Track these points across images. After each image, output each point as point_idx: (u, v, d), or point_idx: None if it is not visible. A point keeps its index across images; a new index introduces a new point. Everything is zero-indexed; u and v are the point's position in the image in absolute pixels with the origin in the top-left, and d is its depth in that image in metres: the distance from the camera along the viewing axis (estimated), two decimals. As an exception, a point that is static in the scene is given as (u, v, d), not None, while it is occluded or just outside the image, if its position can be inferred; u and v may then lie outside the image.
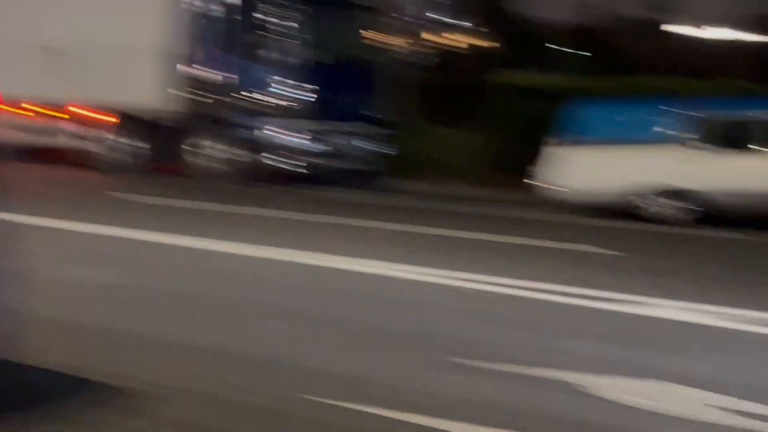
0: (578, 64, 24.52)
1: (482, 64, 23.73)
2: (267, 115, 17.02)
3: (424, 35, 23.69)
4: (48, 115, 18.51)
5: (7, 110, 18.53)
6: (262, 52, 17.08)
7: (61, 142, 18.55)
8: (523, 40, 26.34)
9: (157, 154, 17.62)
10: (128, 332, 6.28)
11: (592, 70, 22.38)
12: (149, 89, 17.47)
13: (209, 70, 17.35)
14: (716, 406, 5.17)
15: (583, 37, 27.09)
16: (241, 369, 5.61)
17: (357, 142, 17.46)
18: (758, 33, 23.52)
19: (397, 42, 20.70)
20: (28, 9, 18.20)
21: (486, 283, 8.38)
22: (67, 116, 18.31)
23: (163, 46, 17.44)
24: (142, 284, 7.85)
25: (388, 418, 4.78)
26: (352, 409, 4.87)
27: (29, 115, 18.61)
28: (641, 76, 18.59)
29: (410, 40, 21.93)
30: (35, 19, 18.13)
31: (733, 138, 14.33)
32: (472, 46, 26.31)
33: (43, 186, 14.95)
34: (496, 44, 25.76)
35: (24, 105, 18.55)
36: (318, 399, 5.02)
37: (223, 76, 17.27)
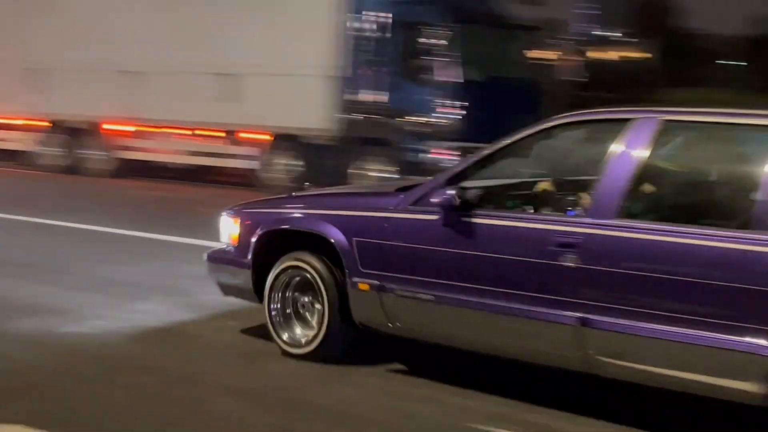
0: (747, 79, 23.56)
1: (644, 80, 23.07)
2: (427, 135, 16.90)
3: (582, 51, 23.18)
4: (212, 137, 18.96)
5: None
6: (421, 73, 16.95)
7: (225, 162, 19.18)
8: (687, 55, 25.48)
9: (316, 175, 17.71)
10: None
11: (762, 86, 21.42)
12: (313, 110, 17.63)
13: (369, 91, 17.37)
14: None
15: (752, 51, 26.03)
16: None
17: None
18: None
19: (555, 58, 20.30)
20: (201, 38, 18.81)
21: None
22: (231, 138, 18.78)
23: (325, 68, 17.57)
24: None
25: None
26: None
27: (193, 138, 19.21)
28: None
29: (568, 57, 21.47)
30: (207, 47, 18.73)
31: None
32: (632, 62, 25.64)
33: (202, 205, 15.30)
34: (659, 59, 24.98)
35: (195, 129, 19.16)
36: None
37: (383, 96, 17.26)
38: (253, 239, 6.71)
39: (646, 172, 5.46)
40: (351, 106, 17.53)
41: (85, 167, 20.28)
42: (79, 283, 8.92)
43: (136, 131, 19.66)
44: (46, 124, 20.76)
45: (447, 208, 5.86)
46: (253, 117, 18.17)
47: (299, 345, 6.55)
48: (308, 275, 6.50)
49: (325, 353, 6.45)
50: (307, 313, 6.64)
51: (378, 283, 6.17)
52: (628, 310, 5.22)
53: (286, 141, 18.07)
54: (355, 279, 6.27)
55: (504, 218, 5.79)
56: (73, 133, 20.42)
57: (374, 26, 17.31)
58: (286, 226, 6.62)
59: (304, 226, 6.54)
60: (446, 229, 5.88)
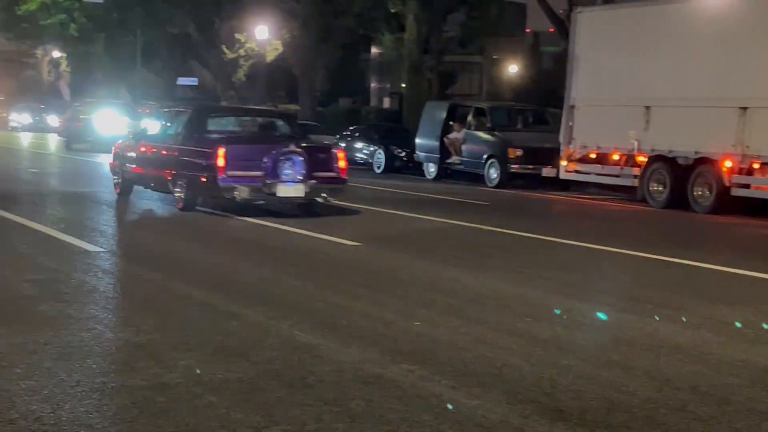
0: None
1: None
2: None
3: None
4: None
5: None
6: None
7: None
8: None
9: None
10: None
11: None
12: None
13: None
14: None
15: None
16: None
17: None
18: None
19: None
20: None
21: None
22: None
23: None
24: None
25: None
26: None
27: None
28: None
29: None
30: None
31: None
32: None
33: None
34: None
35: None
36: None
37: None
38: (115, 152, 18.66)
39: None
40: None
41: (686, 202, 19.89)
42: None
43: (743, 167, 18.90)
44: (645, 158, 20.85)
45: (133, 139, 18.27)
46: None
47: (115, 188, 18.59)
48: (121, 164, 18.22)
49: (121, 192, 18.23)
50: (122, 175, 18.15)
51: (128, 167, 17.92)
52: (147, 172, 17.40)
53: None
54: (126, 166, 17.98)
55: (143, 144, 17.65)
56: (673, 168, 20.17)
57: None
58: (116, 150, 18.65)
59: (117, 150, 18.66)
60: (134, 146, 17.94)
